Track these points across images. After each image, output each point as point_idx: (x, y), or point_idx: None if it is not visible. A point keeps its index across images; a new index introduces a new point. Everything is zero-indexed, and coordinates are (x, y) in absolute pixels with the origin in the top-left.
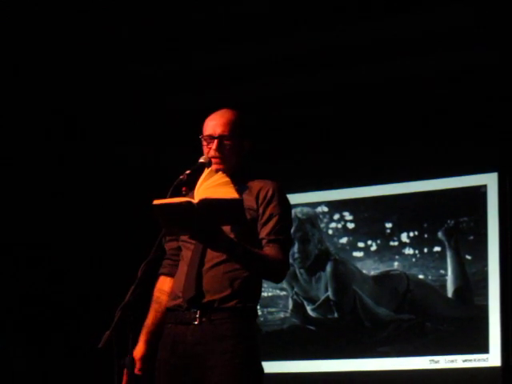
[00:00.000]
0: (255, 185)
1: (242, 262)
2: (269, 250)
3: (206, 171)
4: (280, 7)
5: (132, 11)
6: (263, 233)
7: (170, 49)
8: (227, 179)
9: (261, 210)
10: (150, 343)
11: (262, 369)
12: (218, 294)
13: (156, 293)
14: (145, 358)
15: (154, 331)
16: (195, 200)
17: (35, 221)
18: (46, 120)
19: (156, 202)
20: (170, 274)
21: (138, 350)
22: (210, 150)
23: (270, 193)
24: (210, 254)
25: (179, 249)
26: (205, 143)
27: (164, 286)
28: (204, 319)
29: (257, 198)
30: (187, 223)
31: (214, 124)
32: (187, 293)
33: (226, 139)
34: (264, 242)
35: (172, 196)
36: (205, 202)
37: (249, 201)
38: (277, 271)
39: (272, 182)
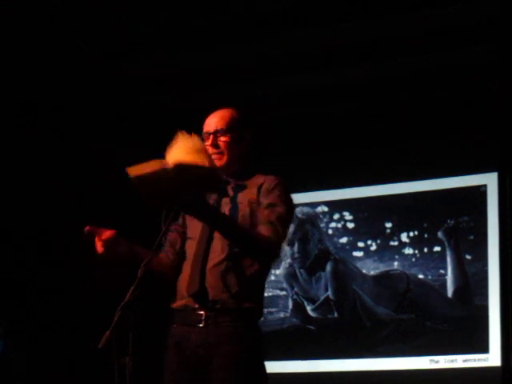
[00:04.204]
0: (258, 179)
1: (226, 234)
2: (261, 230)
3: (180, 134)
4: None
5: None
6: (259, 218)
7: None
8: (201, 146)
9: (261, 200)
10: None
11: (265, 372)
12: (222, 292)
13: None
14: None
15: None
16: (169, 163)
17: (35, 219)
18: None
19: (130, 170)
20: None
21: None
22: (207, 148)
23: (272, 185)
24: (213, 251)
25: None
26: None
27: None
28: (210, 321)
29: (258, 190)
30: (164, 189)
31: (210, 121)
32: (191, 288)
33: (222, 133)
34: (258, 225)
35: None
36: (180, 168)
37: (251, 193)
38: (264, 249)
39: (275, 176)
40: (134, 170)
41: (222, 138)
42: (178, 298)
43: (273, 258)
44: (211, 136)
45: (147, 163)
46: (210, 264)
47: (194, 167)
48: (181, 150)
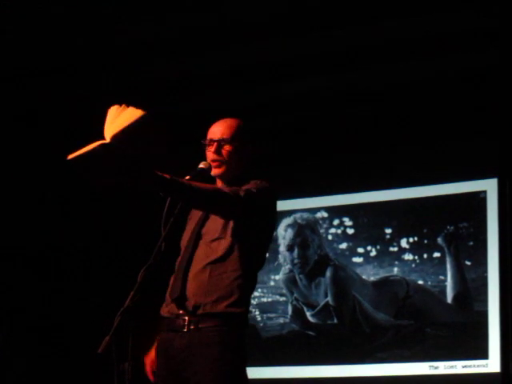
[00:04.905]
0: None
1: (180, 197)
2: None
3: (109, 111)
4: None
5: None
6: None
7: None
8: (123, 106)
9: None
10: None
11: (247, 377)
12: (204, 298)
13: None
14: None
15: None
16: (107, 139)
17: (34, 224)
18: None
19: (70, 156)
20: None
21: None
22: (210, 154)
23: (256, 181)
24: (196, 258)
25: None
26: (206, 148)
27: None
28: (192, 327)
29: None
30: (111, 167)
31: (216, 129)
32: (173, 293)
33: (226, 143)
34: None
35: (171, 206)
36: (117, 137)
37: None
38: (218, 200)
39: (265, 180)
40: (73, 154)
41: (226, 147)
42: (164, 305)
43: (229, 210)
44: (215, 144)
45: (86, 147)
46: (192, 270)
47: (128, 128)
48: (110, 122)
